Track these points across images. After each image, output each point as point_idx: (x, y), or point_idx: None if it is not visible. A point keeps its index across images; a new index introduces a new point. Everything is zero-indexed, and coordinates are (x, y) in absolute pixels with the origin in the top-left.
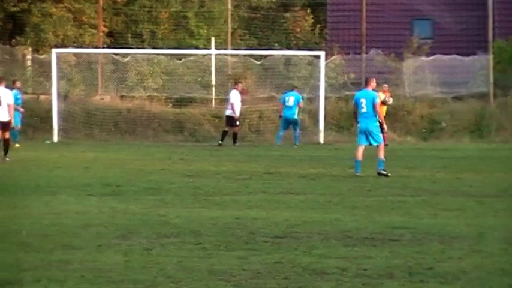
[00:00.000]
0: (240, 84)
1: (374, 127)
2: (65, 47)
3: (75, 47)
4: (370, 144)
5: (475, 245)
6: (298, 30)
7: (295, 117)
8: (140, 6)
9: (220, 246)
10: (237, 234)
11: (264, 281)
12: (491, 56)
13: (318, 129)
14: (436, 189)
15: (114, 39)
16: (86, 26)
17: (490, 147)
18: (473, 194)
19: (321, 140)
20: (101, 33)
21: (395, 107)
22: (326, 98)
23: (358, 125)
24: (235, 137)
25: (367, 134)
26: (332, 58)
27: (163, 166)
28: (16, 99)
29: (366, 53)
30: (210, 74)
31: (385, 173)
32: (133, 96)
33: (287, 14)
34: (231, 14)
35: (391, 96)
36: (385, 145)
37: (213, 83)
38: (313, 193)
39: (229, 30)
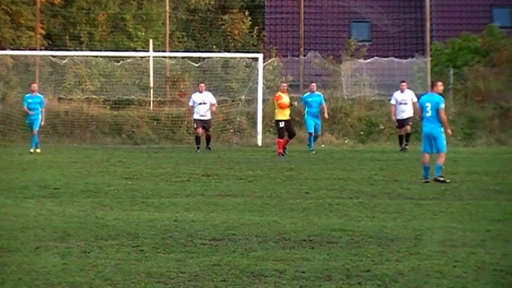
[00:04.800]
0: (201, 85)
1: (438, 133)
2: (2, 49)
3: (13, 49)
4: (433, 151)
5: (412, 247)
6: (236, 32)
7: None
8: (78, 8)
9: (158, 248)
10: (174, 236)
11: (202, 283)
12: (428, 59)
13: (256, 132)
14: (373, 192)
15: (52, 41)
16: (24, 28)
17: None
18: (410, 197)
19: (259, 143)
20: (39, 36)
21: (333, 109)
22: (264, 100)
23: (423, 129)
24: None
25: (431, 139)
26: (270, 60)
27: (101, 168)
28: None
29: (304, 56)
30: (148, 76)
31: (442, 179)
32: (71, 99)
33: (225, 17)
34: (169, 16)
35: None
36: (283, 154)
37: (151, 85)
38: (251, 195)
39: (167, 32)
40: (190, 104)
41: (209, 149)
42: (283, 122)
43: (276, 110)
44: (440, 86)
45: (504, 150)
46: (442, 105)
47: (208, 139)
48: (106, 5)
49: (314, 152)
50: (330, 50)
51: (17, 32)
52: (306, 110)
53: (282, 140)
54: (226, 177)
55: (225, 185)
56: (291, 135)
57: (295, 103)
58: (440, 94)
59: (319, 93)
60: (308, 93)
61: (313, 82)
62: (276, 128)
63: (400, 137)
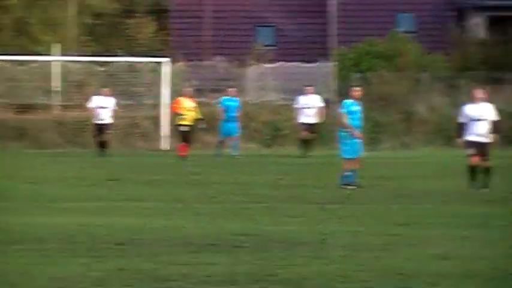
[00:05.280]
0: (106, 90)
1: (340, 137)
2: None
3: None
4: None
5: (317, 252)
6: (141, 36)
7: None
8: None
9: (63, 253)
10: (80, 241)
11: (107, 287)
12: (332, 63)
13: (161, 136)
14: (279, 196)
15: None
16: None
17: (331, 153)
18: (316, 201)
19: (164, 147)
20: None
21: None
22: (169, 104)
23: None
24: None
25: None
26: (175, 65)
27: (6, 173)
28: None
29: (209, 60)
30: (53, 80)
31: (343, 185)
32: None
33: (130, 21)
34: (74, 21)
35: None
36: (186, 157)
37: (56, 89)
38: (157, 200)
39: (72, 36)
40: (92, 106)
41: (104, 154)
42: (184, 127)
43: (177, 116)
44: (354, 92)
45: (408, 154)
46: (340, 110)
47: (105, 144)
48: (10, 9)
49: (219, 157)
50: (235, 55)
51: None
52: (226, 114)
53: (184, 144)
54: (132, 182)
55: (131, 189)
56: (187, 143)
57: (205, 126)
58: (357, 99)
59: (237, 98)
60: (227, 97)
61: (232, 87)
62: (178, 132)
63: (303, 141)
